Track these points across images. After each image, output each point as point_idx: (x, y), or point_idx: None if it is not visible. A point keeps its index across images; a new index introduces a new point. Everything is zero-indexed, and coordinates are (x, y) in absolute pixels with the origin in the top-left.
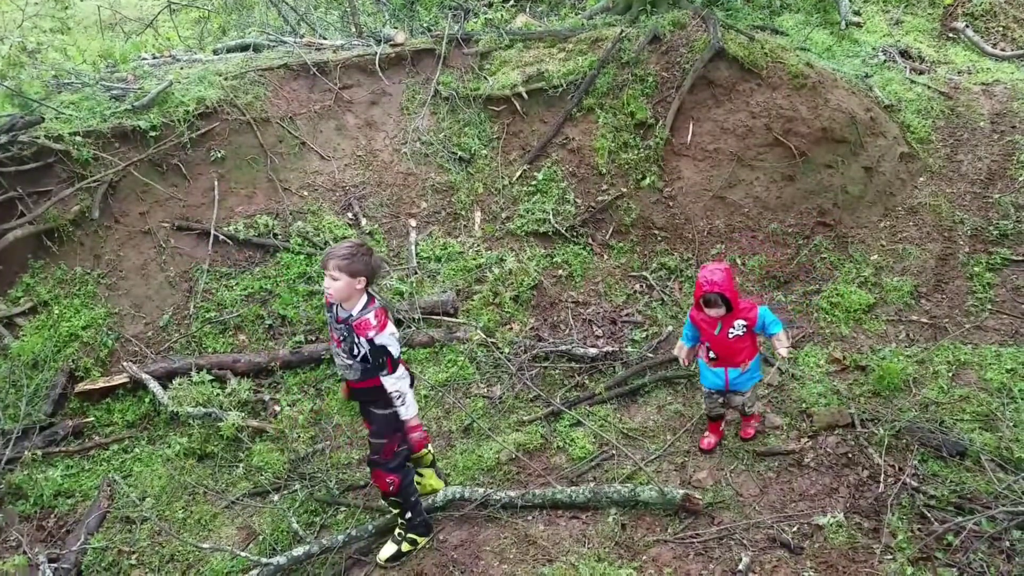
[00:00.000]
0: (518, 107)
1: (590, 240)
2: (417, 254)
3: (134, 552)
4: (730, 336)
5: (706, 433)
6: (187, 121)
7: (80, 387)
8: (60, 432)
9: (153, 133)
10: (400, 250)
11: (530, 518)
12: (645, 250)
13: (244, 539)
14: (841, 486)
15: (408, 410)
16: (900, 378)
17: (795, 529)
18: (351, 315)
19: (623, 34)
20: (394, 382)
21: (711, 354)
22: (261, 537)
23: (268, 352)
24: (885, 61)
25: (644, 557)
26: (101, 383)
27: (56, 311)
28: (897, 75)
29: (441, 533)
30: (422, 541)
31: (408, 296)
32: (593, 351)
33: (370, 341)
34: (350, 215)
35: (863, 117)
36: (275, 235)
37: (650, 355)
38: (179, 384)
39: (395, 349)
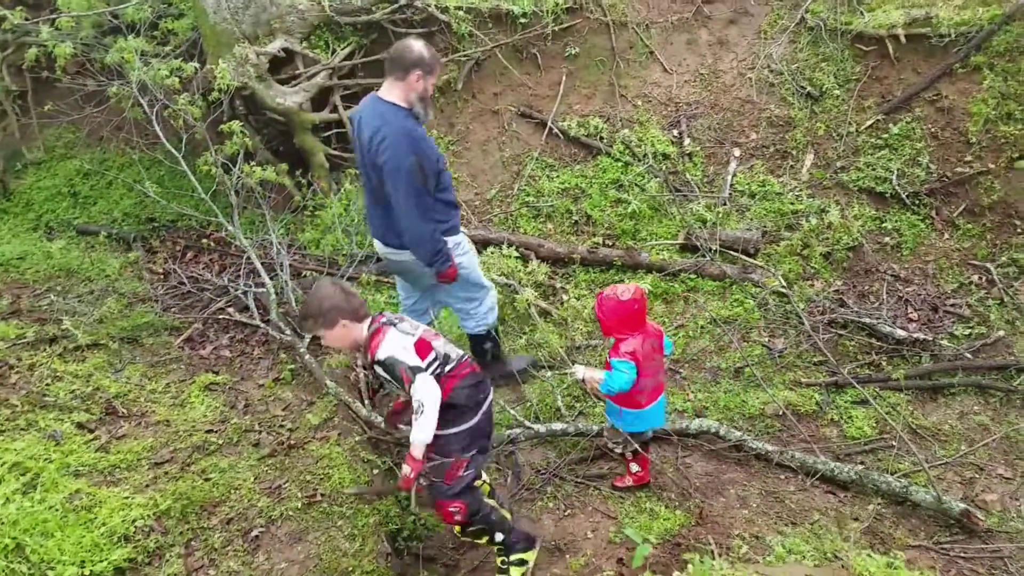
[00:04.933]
0: (890, 50)
1: (933, 213)
2: (732, 185)
3: None
4: None
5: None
6: (554, 13)
7: None
8: None
9: (523, 20)
10: (716, 177)
11: (783, 477)
12: (997, 239)
13: (514, 400)
14: None
15: (418, 431)
16: None
17: None
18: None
19: None
20: (414, 389)
21: None
22: (528, 404)
23: (569, 245)
24: None
25: (892, 555)
26: None
27: None
28: None
29: (689, 458)
30: (531, 556)
31: (711, 225)
32: (902, 333)
33: (376, 363)
34: (675, 132)
35: None
36: (601, 138)
37: (968, 356)
38: (491, 252)
39: (404, 356)
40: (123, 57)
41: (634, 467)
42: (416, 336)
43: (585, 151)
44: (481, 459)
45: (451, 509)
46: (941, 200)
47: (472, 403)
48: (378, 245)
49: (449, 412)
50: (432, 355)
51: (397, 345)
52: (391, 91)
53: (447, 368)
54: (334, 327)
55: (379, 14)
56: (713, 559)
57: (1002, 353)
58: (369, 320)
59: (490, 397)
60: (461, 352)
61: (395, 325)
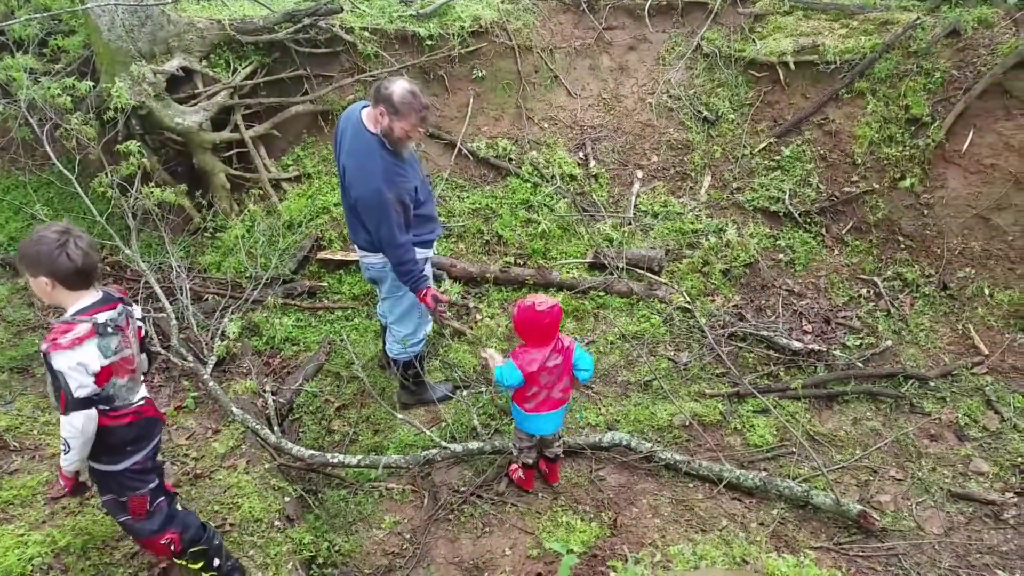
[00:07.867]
0: (781, 76)
1: (823, 231)
2: (636, 205)
3: (338, 404)
4: None
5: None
6: (460, 37)
7: (322, 254)
8: (298, 288)
9: (429, 42)
10: (620, 198)
11: (691, 486)
12: (883, 254)
13: (430, 421)
14: None
15: (62, 460)
16: None
17: None
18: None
19: (918, 21)
20: (64, 426)
21: None
22: (444, 424)
23: (481, 265)
24: None
25: (800, 556)
26: (339, 255)
27: (316, 184)
28: None
29: (602, 470)
30: None
31: (617, 244)
32: (797, 344)
33: (45, 356)
34: (581, 155)
35: None
36: (510, 159)
37: (859, 365)
38: None
39: (76, 381)
40: (10, 75)
41: (519, 473)
42: (114, 359)
43: (494, 172)
44: (162, 491)
45: (163, 543)
46: (830, 218)
47: (126, 448)
48: (355, 247)
49: (107, 449)
50: (108, 385)
51: (76, 362)
52: (369, 114)
53: (114, 404)
54: (35, 278)
55: (281, 33)
56: (636, 565)
57: (890, 362)
58: (87, 302)
59: (153, 442)
60: (141, 397)
61: (100, 335)
